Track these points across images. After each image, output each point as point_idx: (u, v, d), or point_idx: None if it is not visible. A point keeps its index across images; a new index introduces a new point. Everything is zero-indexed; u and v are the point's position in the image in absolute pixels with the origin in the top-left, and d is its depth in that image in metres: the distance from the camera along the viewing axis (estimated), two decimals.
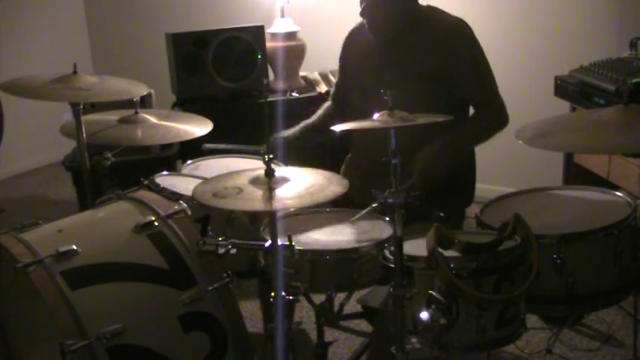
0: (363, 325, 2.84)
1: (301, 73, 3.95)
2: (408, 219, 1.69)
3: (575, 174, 3.12)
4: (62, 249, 1.78)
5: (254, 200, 1.63)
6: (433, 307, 1.65)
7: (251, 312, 2.95)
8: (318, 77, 3.91)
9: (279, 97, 3.74)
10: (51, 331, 1.71)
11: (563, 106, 3.14)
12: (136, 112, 2.50)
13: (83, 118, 2.43)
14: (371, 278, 1.89)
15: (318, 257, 1.86)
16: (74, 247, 1.80)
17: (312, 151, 3.48)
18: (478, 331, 1.67)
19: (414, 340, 1.70)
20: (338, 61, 2.65)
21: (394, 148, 1.66)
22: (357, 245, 1.90)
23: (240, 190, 1.66)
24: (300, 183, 1.70)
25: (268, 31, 3.86)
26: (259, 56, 3.71)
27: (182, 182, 2.29)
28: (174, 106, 3.77)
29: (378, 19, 2.38)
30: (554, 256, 1.80)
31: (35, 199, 4.71)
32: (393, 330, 1.68)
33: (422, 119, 1.78)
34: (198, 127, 2.49)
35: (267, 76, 3.79)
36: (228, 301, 1.84)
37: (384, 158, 1.66)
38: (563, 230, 1.83)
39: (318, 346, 1.99)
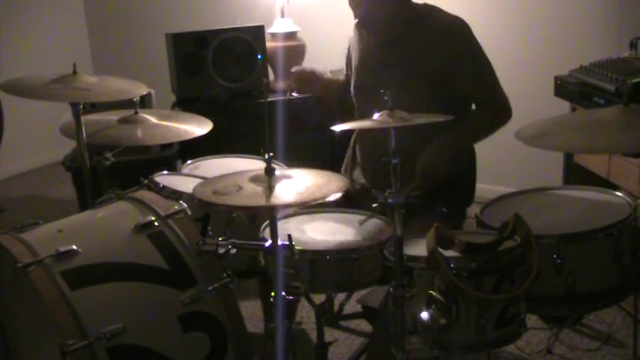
0: (363, 325, 2.84)
1: None
2: (410, 215, 1.69)
3: (575, 174, 3.12)
4: (62, 249, 1.78)
5: (254, 197, 1.62)
6: (433, 307, 1.65)
7: (251, 312, 2.95)
8: None
9: (279, 97, 3.74)
10: (51, 331, 1.71)
11: (563, 106, 3.14)
12: (136, 112, 2.50)
13: (83, 118, 2.43)
14: (371, 278, 1.89)
15: (318, 257, 1.86)
16: (74, 247, 1.80)
17: (312, 150, 3.49)
18: (478, 331, 1.67)
19: (414, 340, 1.70)
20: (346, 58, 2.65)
21: (394, 148, 1.66)
22: (357, 245, 1.90)
23: (240, 187, 1.66)
24: (300, 182, 1.70)
25: (268, 31, 3.86)
26: (259, 56, 3.71)
27: (182, 182, 2.29)
28: (174, 106, 3.77)
29: (376, 23, 2.38)
30: (554, 256, 1.80)
31: (35, 199, 4.71)
32: (393, 330, 1.68)
33: (422, 119, 1.78)
34: (198, 127, 2.49)
35: (267, 76, 3.79)
36: (228, 301, 1.84)
37: (384, 158, 1.66)
38: (563, 230, 1.83)
39: (318, 346, 1.99)
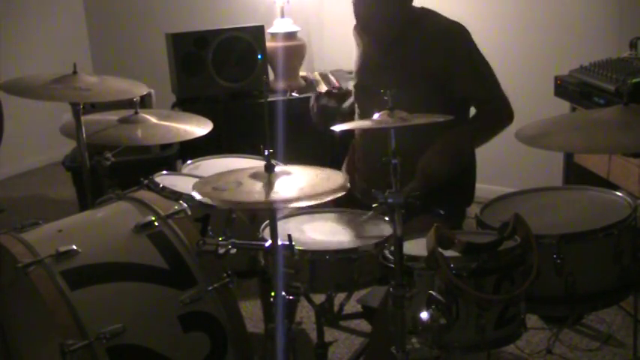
0: (363, 325, 2.84)
1: (301, 73, 3.95)
2: (408, 216, 1.69)
3: (575, 174, 3.12)
4: (62, 249, 1.78)
5: (253, 193, 1.62)
6: (433, 307, 1.65)
7: (251, 312, 2.95)
8: (318, 77, 3.91)
9: (279, 97, 3.74)
10: (51, 331, 1.71)
11: (563, 106, 3.14)
12: (136, 112, 2.50)
13: (83, 118, 2.43)
14: (371, 278, 1.89)
15: (318, 257, 1.86)
16: (74, 247, 1.80)
17: (312, 151, 3.49)
18: (478, 331, 1.67)
19: (414, 340, 1.70)
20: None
21: (394, 148, 1.66)
22: (357, 245, 1.90)
23: (240, 183, 1.66)
24: (300, 178, 1.70)
25: (268, 31, 3.86)
26: (259, 56, 3.71)
27: (182, 182, 2.29)
28: (174, 106, 3.77)
29: (376, 25, 2.39)
30: (554, 256, 1.79)
31: (35, 199, 4.71)
32: (393, 330, 1.68)
33: (422, 119, 1.78)
34: (198, 127, 2.49)
35: (267, 76, 3.79)
36: (228, 301, 1.84)
37: (384, 158, 1.66)
38: (563, 230, 1.83)
39: (318, 346, 1.99)
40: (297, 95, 3.76)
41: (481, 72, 2.36)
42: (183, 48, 3.62)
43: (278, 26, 3.91)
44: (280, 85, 3.85)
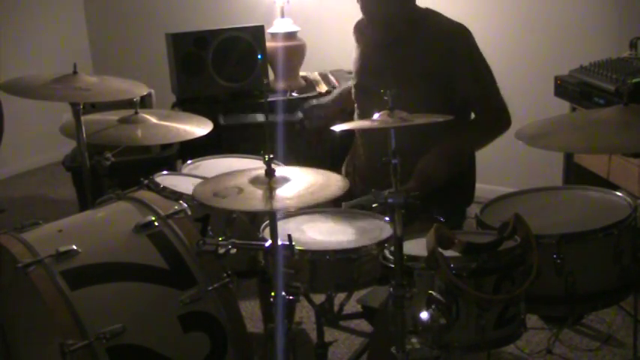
0: (363, 325, 2.83)
1: (301, 73, 3.95)
2: (407, 220, 1.69)
3: (575, 174, 3.12)
4: (62, 249, 1.78)
5: (254, 200, 1.63)
6: (433, 307, 1.65)
7: (251, 312, 2.95)
8: (318, 77, 3.91)
9: (279, 97, 3.74)
10: (51, 331, 1.71)
11: (563, 106, 3.14)
12: (136, 112, 2.50)
13: (83, 118, 2.43)
14: (371, 278, 1.89)
15: (318, 257, 1.86)
16: (74, 247, 1.80)
17: (312, 151, 3.49)
18: (478, 331, 1.67)
19: (414, 340, 1.70)
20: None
21: (394, 148, 1.66)
22: (357, 245, 1.90)
23: (241, 190, 1.66)
24: (300, 183, 1.70)
25: (268, 31, 3.86)
26: (259, 56, 3.70)
27: (182, 182, 2.29)
28: (174, 106, 3.77)
29: (378, 22, 2.39)
30: (554, 256, 1.79)
31: (35, 199, 4.71)
32: (393, 330, 1.68)
33: (422, 119, 1.78)
34: (198, 127, 2.49)
35: (267, 76, 3.79)
36: (228, 301, 1.84)
37: (384, 158, 1.66)
38: (563, 230, 1.83)
39: (318, 346, 1.99)
40: (297, 95, 3.76)
41: (481, 75, 2.36)
42: (183, 48, 3.62)
43: (278, 26, 3.91)
44: (280, 85, 3.85)
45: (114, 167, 2.50)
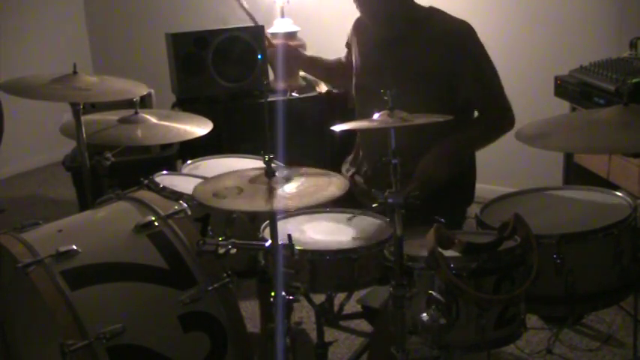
0: (363, 325, 2.84)
1: (301, 73, 3.95)
2: (408, 223, 1.69)
3: (575, 174, 3.12)
4: (62, 249, 1.78)
5: (254, 200, 1.63)
6: (433, 307, 1.65)
7: (251, 312, 2.95)
8: None
9: (279, 97, 3.73)
10: (51, 331, 1.71)
11: (563, 106, 3.14)
12: (136, 112, 2.50)
13: (83, 118, 2.42)
14: (371, 278, 1.89)
15: (318, 257, 1.86)
16: (74, 247, 1.80)
17: (312, 151, 3.49)
18: (478, 331, 1.67)
19: (414, 340, 1.70)
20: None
21: (394, 148, 1.66)
22: (357, 245, 1.90)
23: (241, 190, 1.66)
24: (300, 183, 1.70)
25: (268, 31, 3.86)
26: (259, 56, 3.70)
27: (182, 182, 2.29)
28: (174, 106, 3.76)
29: (379, 20, 2.38)
30: (554, 256, 1.79)
31: (35, 199, 4.71)
32: (393, 330, 1.68)
33: (422, 119, 1.78)
34: (198, 127, 2.48)
35: (267, 76, 3.79)
36: (228, 301, 1.84)
37: (384, 158, 1.66)
38: (563, 230, 1.83)
39: (318, 346, 1.99)
40: (297, 95, 3.76)
41: (487, 76, 2.36)
42: (183, 48, 3.62)
43: (278, 26, 3.91)
44: (280, 85, 3.85)
45: (114, 167, 2.50)
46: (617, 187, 2.40)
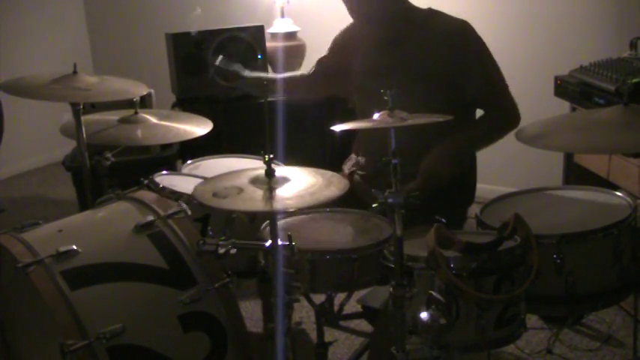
0: (363, 325, 2.84)
1: None
2: (409, 223, 1.68)
3: (575, 174, 3.12)
4: (62, 249, 1.78)
5: (254, 200, 1.63)
6: (433, 307, 1.65)
7: (251, 312, 2.95)
8: None
9: (279, 97, 3.73)
10: (51, 331, 1.71)
11: (563, 106, 3.14)
12: (136, 112, 2.50)
13: (83, 118, 2.42)
14: (371, 278, 1.89)
15: (318, 257, 1.86)
16: (74, 247, 1.80)
17: (312, 151, 3.49)
18: (478, 331, 1.67)
19: (414, 340, 1.70)
20: (328, 51, 2.64)
21: (394, 148, 1.66)
22: (357, 245, 1.90)
23: (241, 190, 1.66)
24: (300, 183, 1.70)
25: (268, 31, 3.86)
26: (259, 56, 3.71)
27: (182, 182, 2.29)
28: (174, 106, 3.77)
29: (375, 21, 2.38)
30: (554, 256, 1.79)
31: (35, 199, 4.71)
32: (393, 330, 1.68)
33: (422, 119, 1.78)
34: (198, 127, 2.49)
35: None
36: (228, 301, 1.84)
37: (384, 158, 1.66)
38: (563, 230, 1.83)
39: (318, 346, 1.99)
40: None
41: (492, 75, 2.37)
42: (183, 48, 3.62)
43: (278, 26, 3.91)
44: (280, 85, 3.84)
45: (114, 167, 2.50)
46: (617, 187, 2.40)
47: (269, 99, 2.25)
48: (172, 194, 2.15)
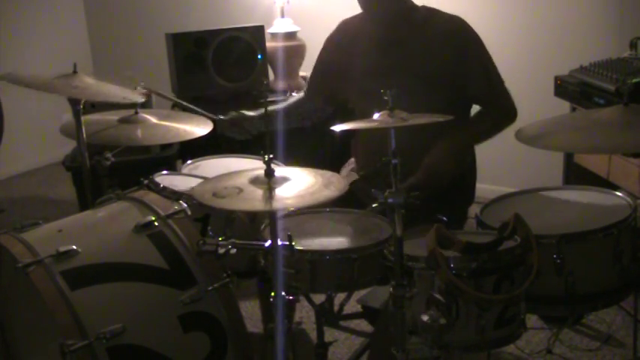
0: (363, 325, 2.84)
1: (301, 73, 3.95)
2: (409, 223, 1.68)
3: (575, 174, 3.12)
4: (62, 249, 1.78)
5: (254, 200, 1.63)
6: (433, 307, 1.65)
7: (251, 312, 2.95)
8: None
9: (279, 97, 3.73)
10: (51, 331, 1.71)
11: (563, 106, 3.14)
12: (136, 112, 2.50)
13: (83, 118, 2.42)
14: (371, 278, 1.89)
15: (318, 257, 1.86)
16: (74, 247, 1.80)
17: (312, 151, 3.49)
18: (478, 331, 1.67)
19: (414, 340, 1.70)
20: (320, 55, 2.62)
21: (394, 148, 1.66)
22: (357, 245, 1.90)
23: (240, 190, 1.66)
24: (300, 183, 1.70)
25: (268, 31, 3.87)
26: (259, 56, 3.71)
27: (182, 182, 2.29)
28: (174, 106, 3.77)
29: (385, 19, 2.38)
30: (554, 256, 1.79)
31: (35, 199, 4.71)
32: (393, 330, 1.68)
33: (422, 119, 1.78)
34: (198, 127, 2.48)
35: (267, 76, 3.80)
36: (228, 301, 1.84)
37: (384, 158, 1.66)
38: (563, 230, 1.83)
39: (318, 346, 1.99)
40: (297, 95, 3.76)
41: (490, 72, 2.38)
42: (183, 48, 3.62)
43: (278, 26, 3.91)
44: (280, 85, 3.85)
45: (114, 167, 2.50)
46: (617, 187, 2.40)
47: (268, 99, 2.23)
48: (172, 194, 2.15)
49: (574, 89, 2.96)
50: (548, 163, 3.40)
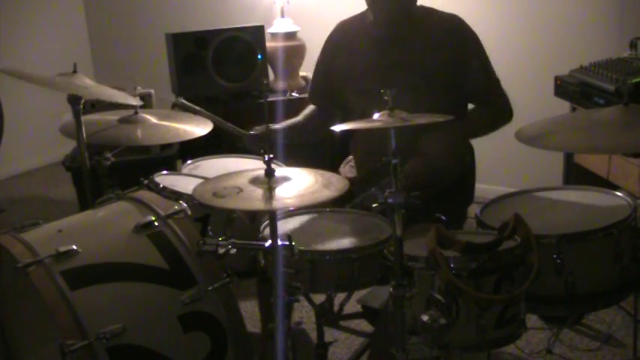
0: (363, 325, 2.84)
1: (301, 73, 3.95)
2: (410, 222, 1.68)
3: (575, 174, 3.12)
4: (62, 249, 1.78)
5: (254, 200, 1.63)
6: (433, 307, 1.65)
7: (251, 312, 2.95)
8: None
9: (279, 97, 3.74)
10: (51, 331, 1.71)
11: (563, 106, 3.14)
12: (136, 112, 2.50)
13: (83, 118, 2.42)
14: (371, 278, 1.89)
15: (318, 257, 1.86)
16: (74, 247, 1.80)
17: (312, 151, 3.49)
18: (478, 331, 1.67)
19: (414, 340, 1.70)
20: (320, 57, 2.61)
21: (394, 148, 1.66)
22: (357, 245, 1.90)
23: (240, 189, 1.66)
24: (300, 183, 1.70)
25: (268, 31, 3.87)
26: (259, 56, 3.71)
27: (182, 182, 2.29)
28: (174, 106, 3.77)
29: (390, 17, 2.38)
30: (554, 256, 1.79)
31: (35, 199, 4.71)
32: (393, 330, 1.68)
33: (422, 119, 1.78)
34: (198, 127, 2.49)
35: (267, 76, 3.80)
36: (228, 301, 1.84)
37: (384, 158, 1.66)
38: (563, 230, 1.83)
39: (318, 346, 1.99)
40: (297, 95, 3.76)
41: (488, 69, 2.40)
42: (183, 48, 3.62)
43: (278, 26, 3.91)
44: (280, 85, 3.85)
45: (114, 167, 2.50)
46: (617, 187, 2.40)
47: (268, 99, 2.23)
48: (172, 194, 2.15)
49: (574, 89, 2.96)
50: (548, 163, 3.40)
